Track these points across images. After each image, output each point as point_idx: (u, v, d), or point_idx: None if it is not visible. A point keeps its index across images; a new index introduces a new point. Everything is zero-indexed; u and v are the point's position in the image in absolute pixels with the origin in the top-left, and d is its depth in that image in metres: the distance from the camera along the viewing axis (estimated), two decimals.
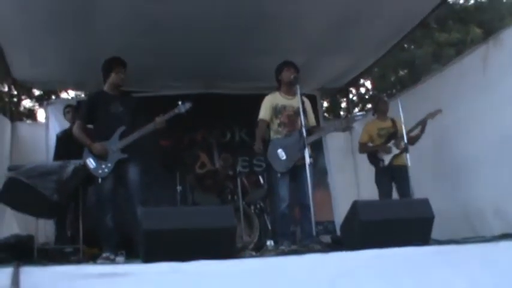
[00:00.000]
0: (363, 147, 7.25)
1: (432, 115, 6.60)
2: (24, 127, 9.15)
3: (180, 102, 5.62)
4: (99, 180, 5.44)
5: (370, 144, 7.15)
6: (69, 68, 8.19)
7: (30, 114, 15.53)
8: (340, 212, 8.13)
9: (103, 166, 5.45)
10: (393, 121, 6.99)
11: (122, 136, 5.52)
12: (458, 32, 14.18)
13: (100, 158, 5.46)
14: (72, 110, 7.47)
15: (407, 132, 6.41)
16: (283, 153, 5.77)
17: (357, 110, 15.45)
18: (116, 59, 5.73)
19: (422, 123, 6.67)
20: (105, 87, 5.78)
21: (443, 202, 6.00)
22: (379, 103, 7.42)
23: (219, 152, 8.31)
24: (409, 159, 6.11)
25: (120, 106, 5.64)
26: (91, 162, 5.48)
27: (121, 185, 5.55)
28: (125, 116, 5.61)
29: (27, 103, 15.56)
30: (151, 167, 7.18)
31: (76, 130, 5.71)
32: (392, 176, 6.84)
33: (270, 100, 6.08)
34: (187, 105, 5.63)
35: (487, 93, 6.43)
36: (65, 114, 7.57)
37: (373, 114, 7.35)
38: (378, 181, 7.00)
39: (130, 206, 5.38)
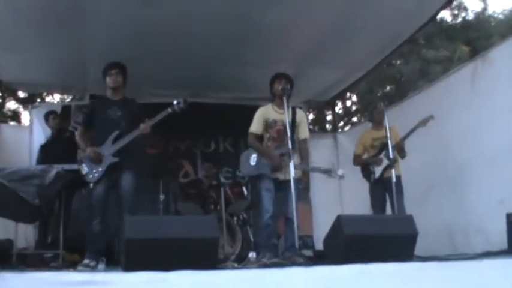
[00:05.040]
0: (356, 159, 7.02)
1: (424, 122, 6.38)
2: (8, 129, 9.09)
3: (175, 102, 5.57)
4: (91, 185, 5.44)
5: (365, 156, 6.92)
6: (55, 71, 8.13)
7: (15, 116, 15.41)
8: (321, 226, 8.07)
9: (93, 171, 5.45)
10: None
11: (116, 141, 5.51)
12: (446, 49, 14.28)
13: (93, 162, 5.45)
14: (57, 116, 7.43)
15: (402, 140, 6.40)
16: (254, 160, 5.73)
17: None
18: (108, 63, 5.77)
19: (412, 131, 6.42)
20: (107, 93, 5.83)
21: (428, 219, 6.00)
22: (373, 112, 7.00)
23: (203, 162, 8.28)
24: (394, 174, 5.96)
25: (119, 111, 5.64)
26: (83, 168, 5.50)
27: (113, 191, 5.53)
28: (123, 121, 5.59)
29: (11, 105, 15.45)
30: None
31: (77, 136, 5.85)
32: (385, 188, 6.50)
33: (262, 113, 5.95)
34: (183, 103, 5.57)
35: (474, 111, 6.47)
36: (47, 120, 7.47)
37: (364, 119, 7.04)
38: (372, 193, 6.80)
39: (120, 214, 5.33)
